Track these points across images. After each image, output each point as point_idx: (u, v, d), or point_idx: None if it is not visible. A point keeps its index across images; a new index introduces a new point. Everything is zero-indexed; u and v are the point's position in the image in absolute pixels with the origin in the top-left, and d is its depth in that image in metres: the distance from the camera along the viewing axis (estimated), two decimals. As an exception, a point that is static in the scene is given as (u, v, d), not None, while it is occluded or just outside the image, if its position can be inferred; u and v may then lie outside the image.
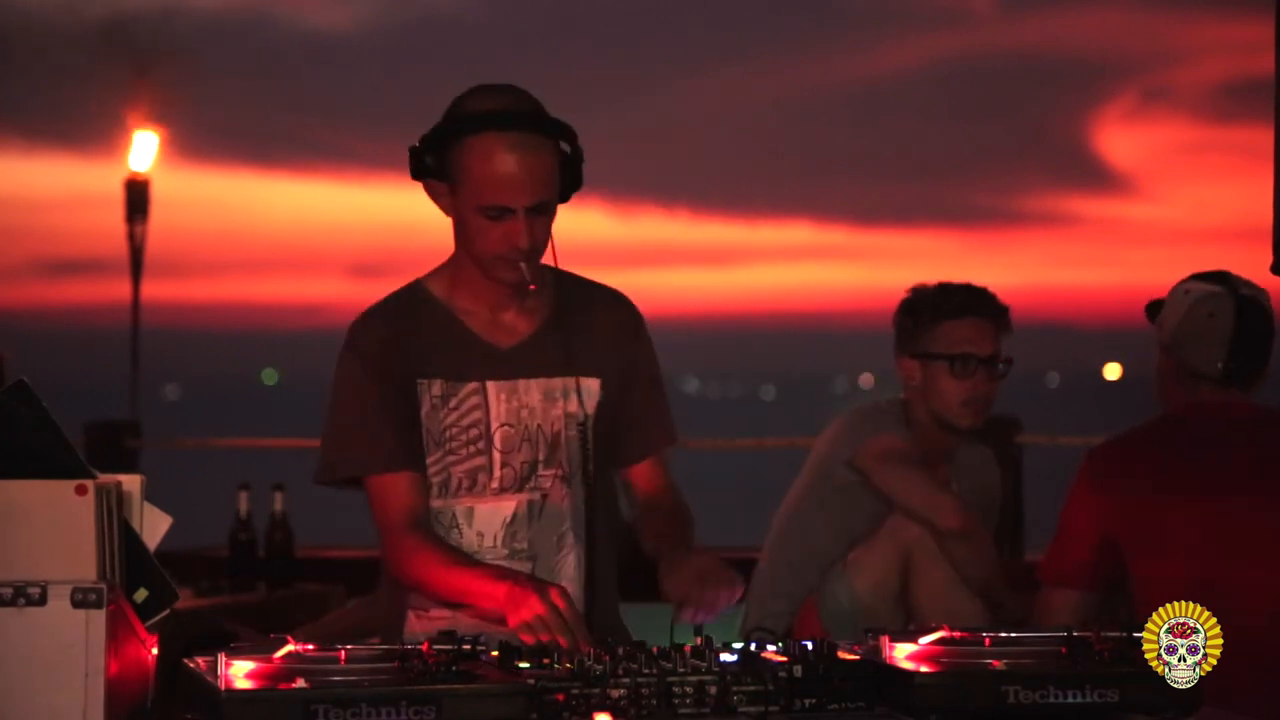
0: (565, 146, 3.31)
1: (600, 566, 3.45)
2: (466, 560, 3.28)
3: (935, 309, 4.61)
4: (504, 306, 3.39)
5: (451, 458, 3.36)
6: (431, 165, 3.31)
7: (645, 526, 3.41)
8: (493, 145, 3.25)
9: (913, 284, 4.68)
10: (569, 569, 3.40)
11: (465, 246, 3.35)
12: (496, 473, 3.37)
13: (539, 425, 3.38)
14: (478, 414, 3.37)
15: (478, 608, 3.24)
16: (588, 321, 3.45)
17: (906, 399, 4.66)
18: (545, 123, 3.27)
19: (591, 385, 3.43)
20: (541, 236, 3.31)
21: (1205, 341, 4.04)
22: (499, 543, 3.37)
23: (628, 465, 3.50)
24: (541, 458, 3.38)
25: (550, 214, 3.32)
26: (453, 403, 3.37)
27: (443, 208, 3.34)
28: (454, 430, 3.37)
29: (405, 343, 3.37)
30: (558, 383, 3.40)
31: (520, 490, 3.38)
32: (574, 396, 3.41)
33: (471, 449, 3.37)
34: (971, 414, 4.61)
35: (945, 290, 4.63)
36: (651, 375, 3.51)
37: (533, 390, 3.39)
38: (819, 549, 4.60)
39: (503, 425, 3.37)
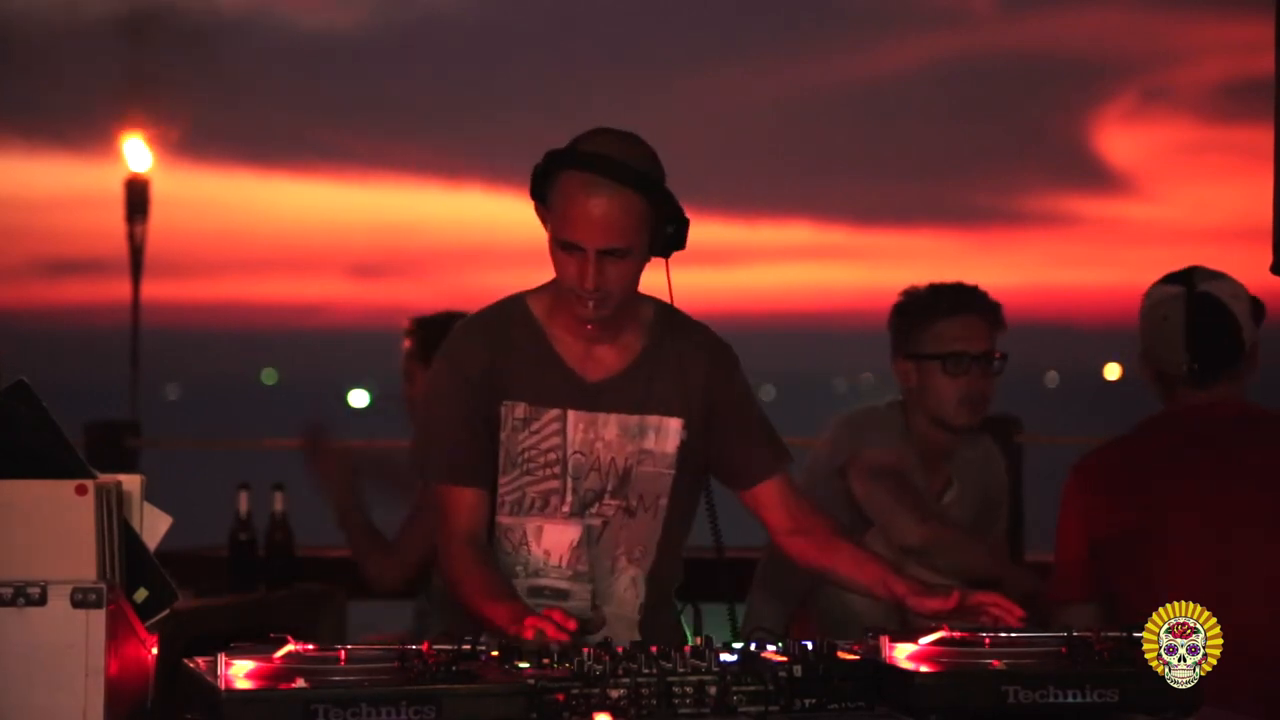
0: (641, 201, 3.36)
1: (657, 590, 3.55)
2: (501, 591, 3.35)
3: (927, 309, 4.62)
4: (596, 339, 3.49)
5: (528, 478, 3.47)
6: (540, 188, 3.41)
7: (836, 558, 3.58)
8: (576, 184, 3.35)
9: (906, 286, 4.70)
10: (620, 590, 3.52)
11: (556, 272, 3.45)
12: (569, 497, 3.48)
13: (612, 458, 3.49)
14: (556, 440, 3.48)
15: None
16: (680, 363, 3.54)
17: (904, 401, 4.67)
18: (630, 173, 3.35)
19: (674, 425, 3.52)
20: (615, 280, 3.38)
21: (1167, 345, 4.03)
22: (564, 563, 3.48)
23: (746, 488, 3.60)
24: (610, 488, 3.49)
25: (629, 261, 3.38)
26: (534, 426, 3.48)
27: (546, 231, 3.43)
28: (532, 453, 3.47)
29: (498, 364, 3.47)
30: (634, 420, 3.50)
31: (583, 516, 3.49)
32: (651, 434, 3.51)
33: (547, 472, 3.48)
34: (967, 412, 4.61)
35: (936, 290, 4.64)
36: (750, 410, 3.60)
37: (611, 424, 3.49)
38: None
39: (576, 453, 3.48)
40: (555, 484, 3.48)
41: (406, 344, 5.39)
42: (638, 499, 3.51)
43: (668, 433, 3.52)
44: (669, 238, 3.42)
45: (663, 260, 3.45)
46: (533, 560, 3.47)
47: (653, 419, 3.51)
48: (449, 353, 3.51)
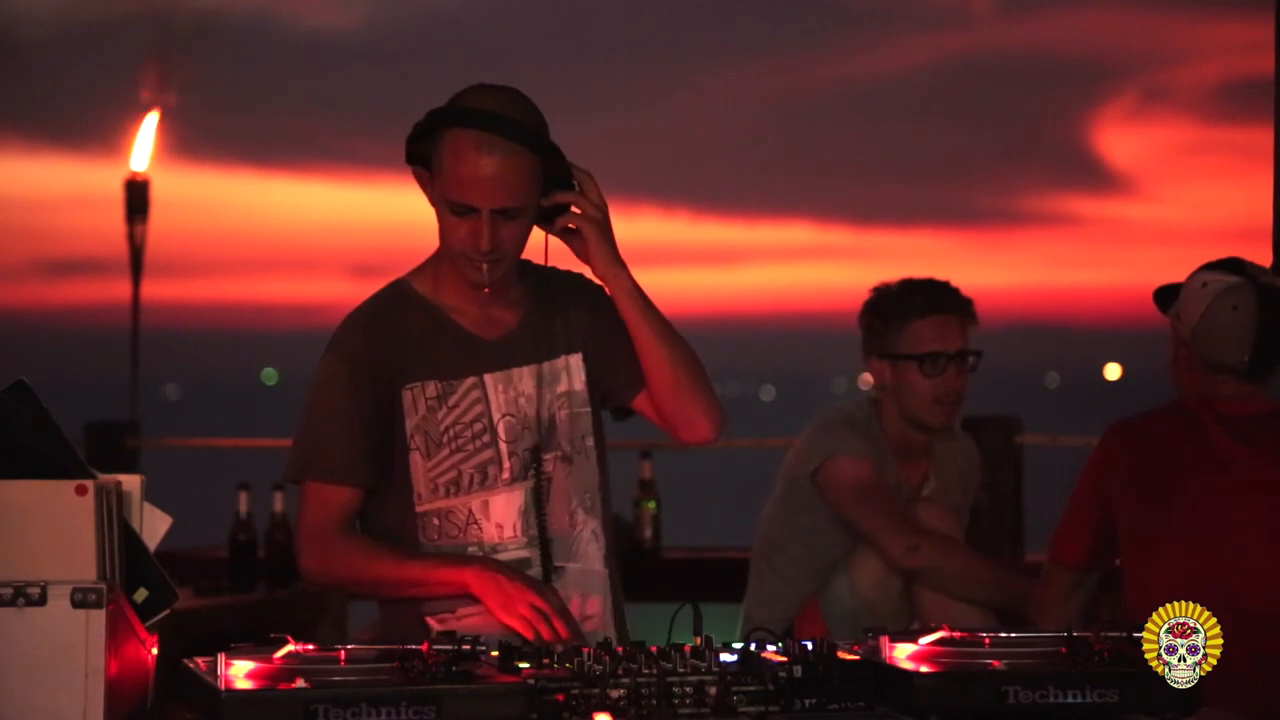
0: (533, 157, 3.29)
1: (610, 537, 3.49)
2: (411, 552, 3.33)
3: (901, 309, 4.61)
4: (488, 301, 3.42)
5: (459, 455, 3.38)
6: (420, 151, 3.34)
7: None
8: (466, 143, 3.27)
9: (874, 284, 4.69)
10: (584, 544, 3.44)
11: (441, 239, 3.38)
12: (506, 463, 3.40)
13: (537, 411, 3.42)
14: (479, 408, 3.40)
15: (432, 594, 3.31)
16: (560, 304, 3.49)
17: (878, 399, 4.67)
18: (523, 131, 3.28)
19: (576, 360, 3.47)
20: (509, 240, 3.32)
21: (1230, 335, 3.99)
22: (519, 531, 3.39)
23: (633, 399, 3.52)
24: (544, 442, 3.42)
25: (521, 220, 3.32)
26: (451, 400, 3.39)
27: (426, 195, 3.37)
28: (457, 428, 3.39)
29: (391, 349, 3.39)
30: (546, 367, 3.44)
31: (525, 478, 3.40)
32: (563, 376, 3.46)
33: (478, 443, 3.39)
34: (943, 411, 4.61)
35: (909, 288, 4.63)
36: (621, 327, 3.48)
37: (525, 377, 3.42)
38: (804, 554, 4.61)
39: (505, 415, 3.40)
40: (489, 453, 3.39)
41: None
42: (570, 444, 3.44)
43: (574, 370, 3.46)
44: (553, 208, 3.36)
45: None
46: (485, 538, 3.37)
47: (559, 361, 3.45)
48: (336, 345, 3.40)
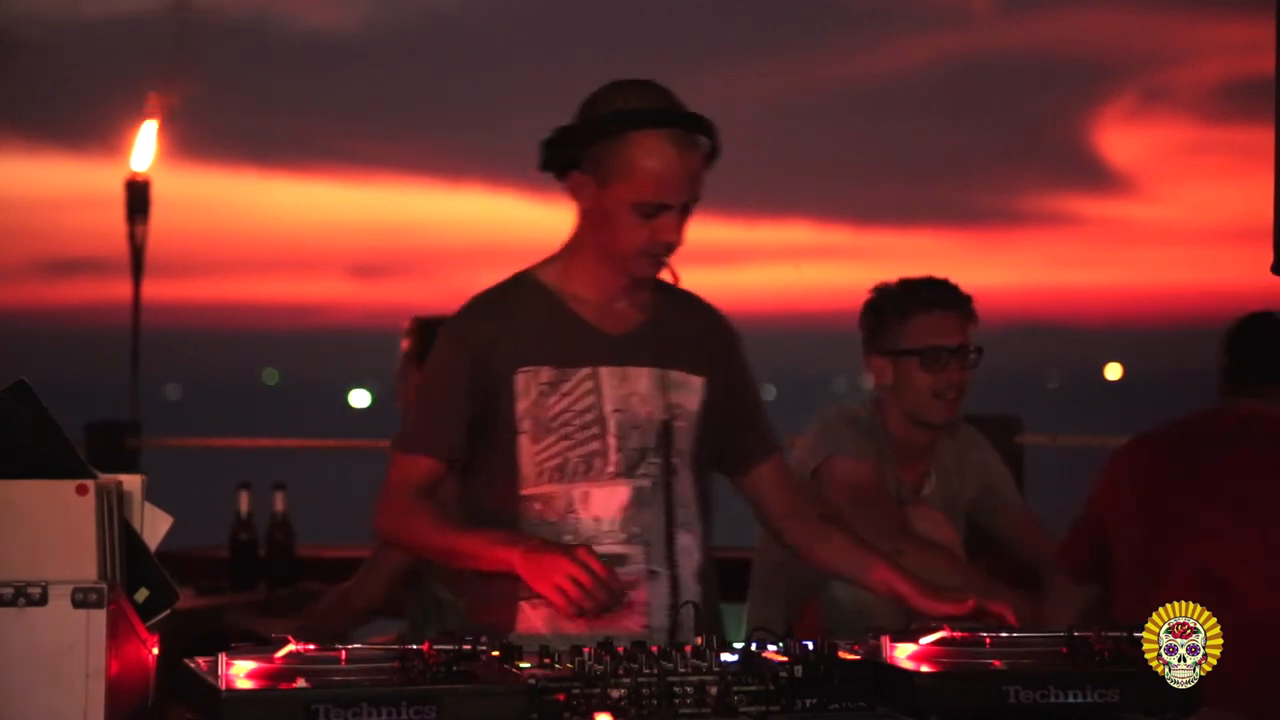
0: (708, 143, 3.36)
1: (709, 553, 3.49)
2: (471, 527, 3.34)
3: (901, 306, 4.62)
4: (616, 297, 3.44)
5: (566, 442, 3.39)
6: (576, 158, 3.34)
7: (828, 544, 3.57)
8: (658, 143, 3.30)
9: (875, 284, 4.70)
10: (679, 555, 3.43)
11: (602, 240, 3.38)
12: (612, 458, 3.40)
13: (649, 413, 3.42)
14: (591, 399, 3.40)
15: (485, 570, 3.32)
16: (691, 323, 3.51)
17: (879, 398, 4.67)
18: (699, 121, 3.34)
19: (697, 383, 3.47)
20: (684, 232, 3.37)
21: None
22: (617, 526, 3.39)
23: (745, 472, 3.56)
24: (652, 445, 3.41)
25: (691, 210, 3.37)
26: (564, 388, 3.40)
27: (581, 200, 3.37)
28: (567, 415, 3.39)
29: (505, 332, 3.40)
30: (665, 374, 3.44)
31: (632, 476, 3.40)
32: (683, 390, 3.46)
33: (587, 433, 3.39)
34: (945, 407, 4.61)
35: (908, 286, 4.64)
36: (755, 390, 3.57)
37: (643, 378, 3.43)
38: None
39: (616, 410, 3.40)
40: (597, 445, 3.38)
41: (404, 344, 5.37)
42: (678, 456, 3.43)
43: (692, 389, 3.46)
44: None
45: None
46: (582, 527, 3.37)
47: (678, 374, 3.45)
48: (454, 327, 3.44)
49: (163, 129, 8.65)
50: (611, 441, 3.39)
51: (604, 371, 3.40)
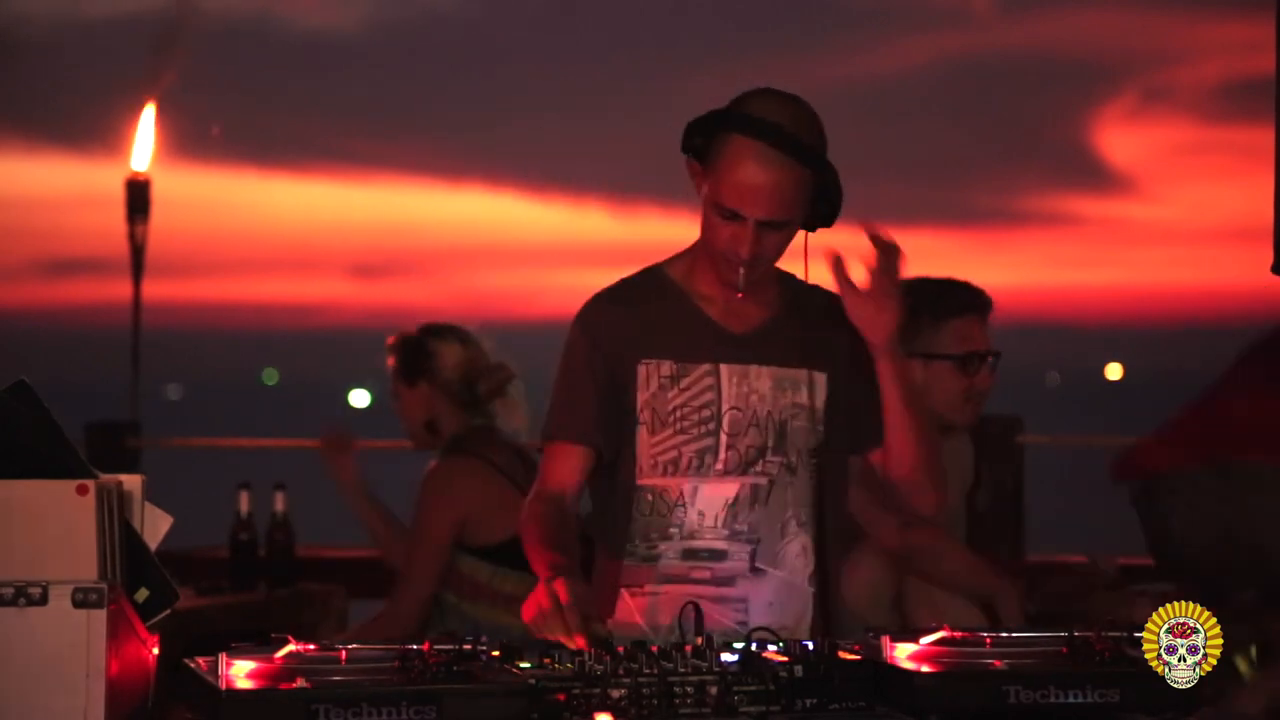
0: (810, 175, 3.32)
1: (829, 558, 3.48)
2: (548, 544, 3.29)
3: (935, 309, 4.61)
4: (735, 294, 3.43)
5: (681, 437, 3.40)
6: (698, 145, 3.36)
7: None
8: (744, 151, 3.30)
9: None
10: (791, 556, 3.43)
11: (702, 233, 3.40)
12: (722, 455, 3.40)
13: (768, 412, 3.42)
14: (710, 395, 3.41)
15: None
16: (816, 319, 3.48)
17: None
18: (801, 148, 3.31)
19: (820, 379, 3.47)
20: (769, 249, 3.35)
21: None
22: (719, 523, 3.39)
23: (872, 448, 3.50)
24: (770, 444, 3.41)
25: (786, 230, 3.35)
26: (684, 383, 3.41)
27: (696, 187, 3.39)
28: (684, 410, 3.40)
29: (630, 323, 3.42)
30: (789, 373, 3.44)
31: (744, 474, 3.40)
32: (804, 389, 3.45)
33: (702, 429, 3.40)
34: (972, 409, 4.62)
35: (941, 288, 4.63)
36: (873, 378, 3.48)
37: (764, 377, 3.43)
38: None
39: (732, 408, 3.41)
40: (710, 441, 3.39)
41: (390, 361, 5.36)
42: (796, 455, 3.43)
43: (817, 388, 3.45)
44: (823, 215, 3.38)
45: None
46: (688, 521, 3.38)
47: (802, 373, 3.44)
48: (579, 317, 3.46)
49: (161, 125, 8.64)
50: (724, 439, 3.40)
51: (725, 369, 3.42)
